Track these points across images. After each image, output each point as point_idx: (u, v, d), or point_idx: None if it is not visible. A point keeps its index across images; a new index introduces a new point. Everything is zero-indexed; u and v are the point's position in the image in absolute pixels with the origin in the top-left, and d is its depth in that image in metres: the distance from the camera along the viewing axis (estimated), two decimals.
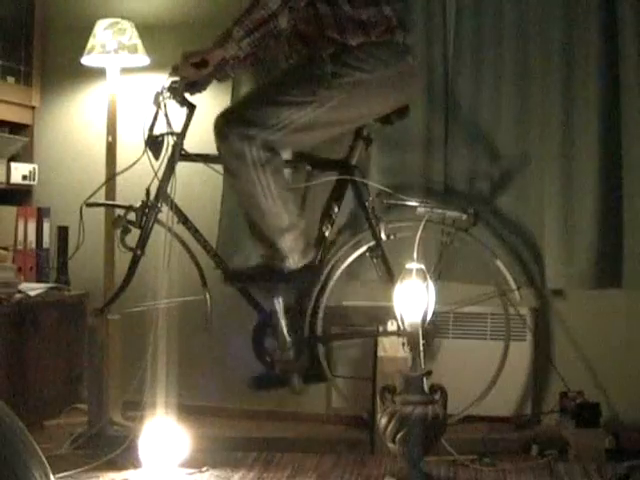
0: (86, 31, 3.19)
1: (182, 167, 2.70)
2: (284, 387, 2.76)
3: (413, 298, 2.45)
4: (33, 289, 3.04)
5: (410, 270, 2.46)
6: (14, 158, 3.33)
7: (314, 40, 2.60)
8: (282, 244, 2.62)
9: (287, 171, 2.81)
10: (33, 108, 3.46)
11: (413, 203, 2.84)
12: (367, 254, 2.84)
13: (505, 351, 2.93)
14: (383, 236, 2.81)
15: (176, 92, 2.61)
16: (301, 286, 2.75)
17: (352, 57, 2.58)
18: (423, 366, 2.41)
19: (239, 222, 3.07)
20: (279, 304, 2.70)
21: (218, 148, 2.62)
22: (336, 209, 2.80)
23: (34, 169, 3.40)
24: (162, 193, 2.67)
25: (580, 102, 3.00)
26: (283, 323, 2.71)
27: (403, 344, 2.66)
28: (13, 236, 3.29)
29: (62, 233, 3.29)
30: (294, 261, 2.65)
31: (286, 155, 2.76)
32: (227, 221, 3.18)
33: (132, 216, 2.66)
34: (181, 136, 2.68)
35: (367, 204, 2.80)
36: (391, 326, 2.73)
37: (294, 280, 2.67)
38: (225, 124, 2.59)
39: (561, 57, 3.01)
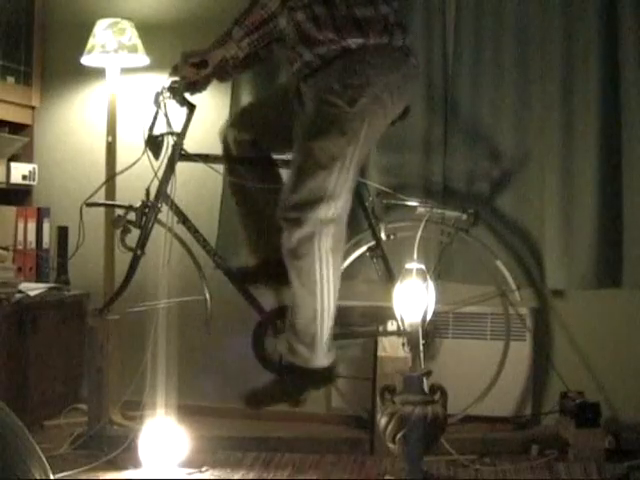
0: (86, 31, 3.19)
1: (182, 167, 2.70)
2: (284, 401, 2.63)
3: (413, 298, 2.45)
4: (33, 289, 3.04)
5: (410, 270, 2.46)
6: (14, 158, 3.33)
7: (315, 42, 2.59)
8: (323, 338, 2.49)
9: (286, 171, 2.81)
10: (33, 108, 3.46)
11: (413, 203, 2.84)
12: (367, 254, 2.84)
13: (505, 351, 2.93)
14: (383, 236, 2.81)
15: (176, 92, 2.61)
16: (320, 386, 2.62)
17: (358, 75, 2.50)
18: (423, 366, 2.41)
19: (239, 222, 3.07)
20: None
21: (287, 238, 2.45)
22: None
23: (34, 169, 3.40)
24: (162, 193, 2.67)
25: (580, 102, 3.00)
26: None
27: (403, 344, 2.67)
28: (13, 236, 3.29)
29: (62, 233, 3.29)
30: (324, 356, 2.53)
31: (286, 156, 2.76)
32: (227, 221, 3.18)
33: (132, 216, 2.66)
34: (181, 136, 2.68)
35: (367, 204, 2.80)
36: (391, 326, 2.73)
37: (313, 381, 2.55)
38: (287, 210, 2.44)
39: (561, 57, 3.01)
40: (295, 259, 2.46)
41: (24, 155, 3.40)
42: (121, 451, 2.60)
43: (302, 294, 2.48)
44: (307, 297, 2.48)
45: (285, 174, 2.79)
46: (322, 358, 2.52)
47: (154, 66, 3.22)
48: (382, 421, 2.39)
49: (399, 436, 2.36)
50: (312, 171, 2.42)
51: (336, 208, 2.44)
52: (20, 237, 3.30)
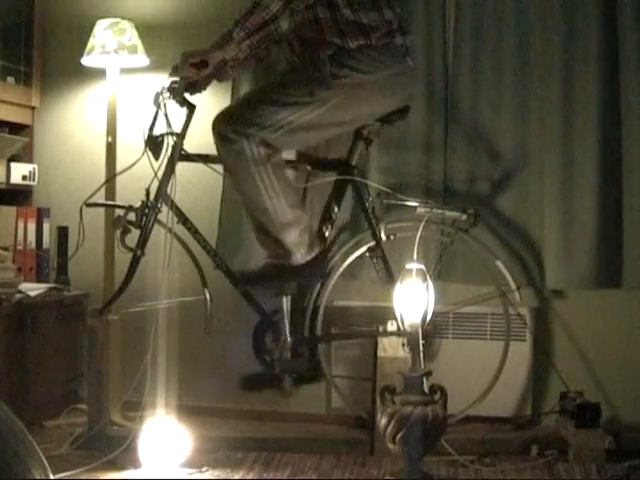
0: (86, 31, 3.19)
1: (182, 167, 2.70)
2: (274, 387, 2.76)
3: (413, 298, 2.45)
4: (33, 289, 3.04)
5: (410, 270, 2.45)
6: (14, 158, 3.33)
7: (315, 44, 2.60)
8: (287, 239, 2.64)
9: (287, 171, 2.81)
10: (33, 108, 3.46)
11: (413, 203, 2.84)
12: (367, 254, 2.84)
13: (505, 351, 2.93)
14: (383, 236, 2.81)
15: (176, 92, 2.62)
16: (310, 280, 2.77)
17: (351, 58, 2.58)
18: (423, 366, 2.41)
19: (239, 222, 3.08)
20: (287, 302, 2.70)
21: (217, 148, 2.63)
22: (336, 209, 2.80)
23: (34, 169, 3.40)
24: (162, 193, 2.67)
25: (580, 102, 3.00)
26: (286, 323, 2.72)
27: (403, 344, 2.67)
28: (13, 236, 3.29)
29: (62, 233, 3.29)
30: (301, 255, 2.67)
31: (288, 155, 2.76)
32: (227, 221, 3.18)
33: (132, 216, 2.66)
34: (181, 136, 2.68)
35: (367, 204, 2.80)
36: (391, 326, 2.73)
37: (303, 275, 2.69)
38: (223, 124, 2.60)
39: (561, 57, 3.01)
40: (232, 175, 2.67)
41: (24, 155, 3.40)
42: (121, 451, 2.59)
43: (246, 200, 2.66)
44: (255, 208, 2.64)
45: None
46: (298, 257, 2.66)
47: (154, 66, 3.22)
48: (382, 421, 2.39)
49: (399, 436, 2.36)
50: (262, 102, 2.59)
51: (266, 137, 2.56)
52: (20, 237, 3.30)
